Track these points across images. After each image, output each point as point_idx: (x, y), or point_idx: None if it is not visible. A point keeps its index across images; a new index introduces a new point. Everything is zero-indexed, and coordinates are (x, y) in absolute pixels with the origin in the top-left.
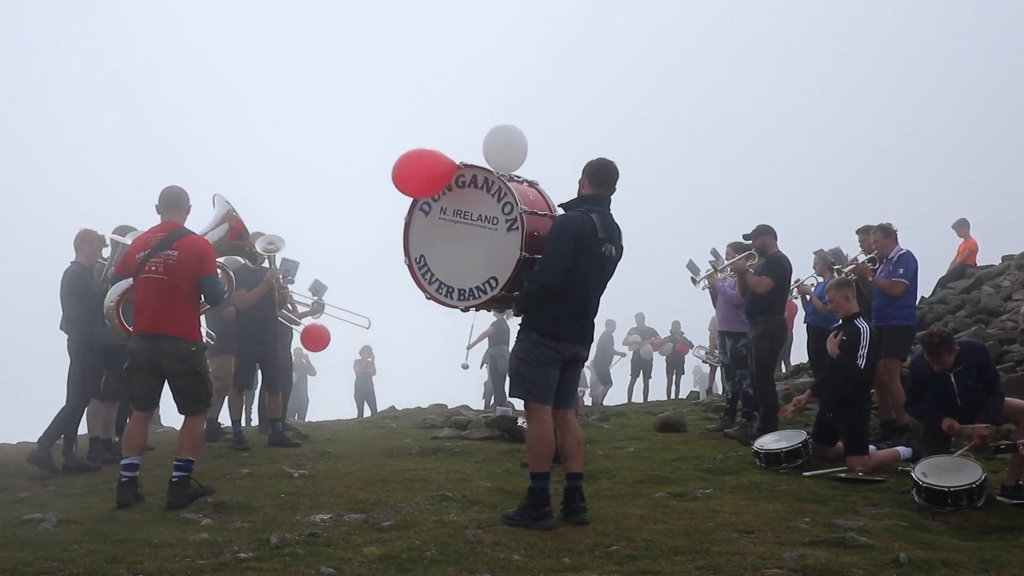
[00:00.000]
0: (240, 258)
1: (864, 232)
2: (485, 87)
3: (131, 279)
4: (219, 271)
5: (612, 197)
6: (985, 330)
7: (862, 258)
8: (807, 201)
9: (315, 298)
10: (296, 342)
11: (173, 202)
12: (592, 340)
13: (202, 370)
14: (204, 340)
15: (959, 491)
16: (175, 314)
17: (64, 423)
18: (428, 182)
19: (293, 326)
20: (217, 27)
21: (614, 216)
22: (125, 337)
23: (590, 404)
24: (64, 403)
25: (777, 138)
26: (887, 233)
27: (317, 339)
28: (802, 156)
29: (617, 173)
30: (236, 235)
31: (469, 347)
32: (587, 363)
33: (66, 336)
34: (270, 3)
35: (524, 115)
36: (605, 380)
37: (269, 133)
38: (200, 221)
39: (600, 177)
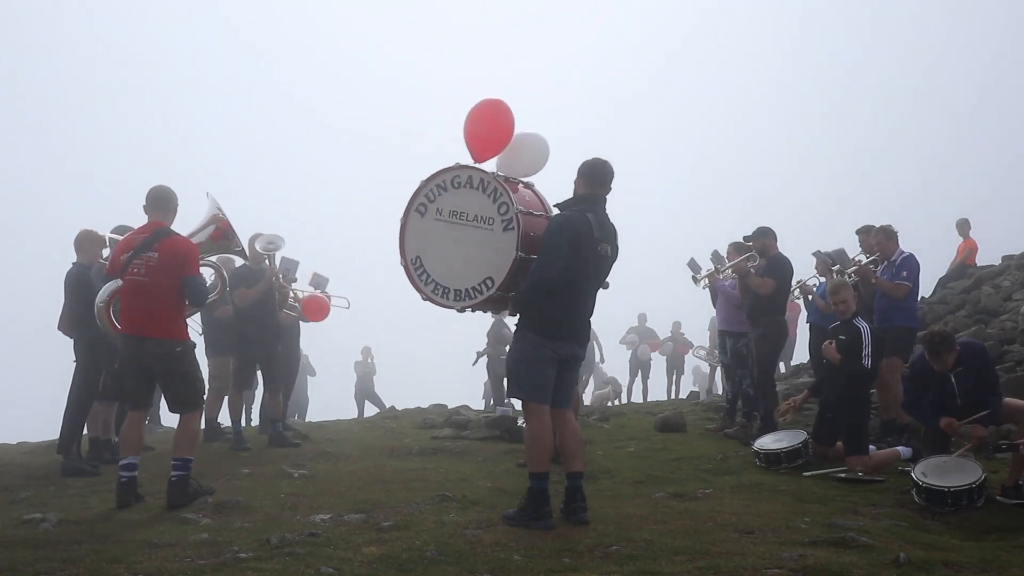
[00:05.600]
0: (235, 258)
1: (864, 232)
2: (485, 85)
3: (120, 280)
4: (212, 271)
5: (607, 197)
6: (985, 330)
7: (864, 259)
8: (807, 201)
9: (319, 291)
10: (303, 340)
11: (159, 202)
12: (588, 339)
13: (190, 370)
14: (191, 340)
15: (959, 491)
16: (157, 315)
17: (73, 421)
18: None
19: (299, 318)
20: (217, 23)
21: (609, 215)
22: (114, 337)
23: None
24: (67, 404)
25: (778, 138)
26: (889, 235)
27: (316, 309)
28: (802, 156)
29: (612, 173)
30: (220, 236)
31: (479, 355)
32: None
33: (72, 338)
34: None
35: (524, 114)
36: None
37: (270, 132)
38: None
39: (595, 177)
